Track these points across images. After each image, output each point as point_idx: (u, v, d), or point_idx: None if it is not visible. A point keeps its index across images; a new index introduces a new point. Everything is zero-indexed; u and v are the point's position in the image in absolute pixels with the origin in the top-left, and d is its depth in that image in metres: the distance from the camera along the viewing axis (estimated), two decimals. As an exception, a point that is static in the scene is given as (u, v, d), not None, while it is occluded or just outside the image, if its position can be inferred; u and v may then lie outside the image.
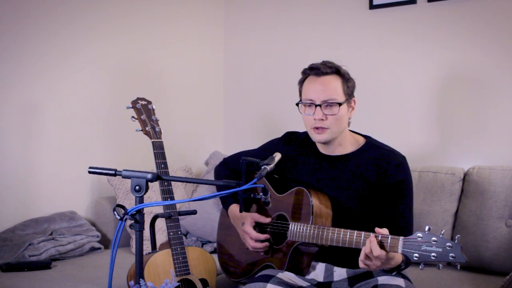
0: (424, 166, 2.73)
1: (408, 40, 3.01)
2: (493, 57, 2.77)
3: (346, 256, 1.98)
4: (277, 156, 1.95)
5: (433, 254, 1.62)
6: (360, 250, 1.78)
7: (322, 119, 1.97)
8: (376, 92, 3.08)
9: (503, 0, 2.74)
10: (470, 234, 2.51)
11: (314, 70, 2.00)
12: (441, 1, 2.88)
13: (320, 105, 1.97)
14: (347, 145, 2.07)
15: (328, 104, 1.97)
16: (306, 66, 2.05)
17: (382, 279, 1.88)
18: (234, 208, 2.21)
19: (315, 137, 2.03)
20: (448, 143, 2.90)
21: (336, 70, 2.00)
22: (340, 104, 1.97)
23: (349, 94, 2.02)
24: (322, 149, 2.10)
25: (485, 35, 2.79)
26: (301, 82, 2.07)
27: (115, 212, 1.54)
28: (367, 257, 1.74)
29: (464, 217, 2.56)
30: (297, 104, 2.06)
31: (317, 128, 2.00)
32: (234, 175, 2.34)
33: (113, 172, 1.61)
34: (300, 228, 1.97)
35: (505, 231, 2.44)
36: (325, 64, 2.01)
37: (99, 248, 2.86)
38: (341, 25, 3.24)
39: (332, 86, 1.98)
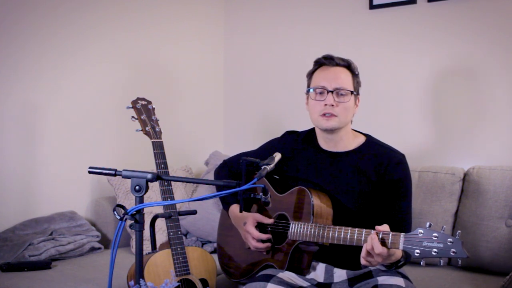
0: (424, 166, 2.73)
1: (408, 40, 3.01)
2: (493, 57, 2.77)
3: (346, 257, 1.99)
4: (277, 156, 1.95)
5: (434, 250, 1.63)
6: (360, 248, 1.78)
7: (333, 105, 2.00)
8: (376, 91, 3.08)
9: (503, 0, 2.74)
10: (470, 234, 2.51)
11: (328, 60, 2.06)
12: (441, 1, 2.88)
13: (332, 91, 2.01)
14: (348, 142, 2.09)
15: (340, 91, 2.02)
16: (319, 56, 2.10)
17: (382, 279, 1.89)
18: (235, 208, 2.21)
19: (323, 123, 2.04)
20: (448, 143, 2.90)
21: (348, 65, 2.07)
22: (351, 93, 2.03)
23: (357, 90, 2.08)
24: (323, 144, 2.11)
25: (485, 35, 2.79)
26: (311, 73, 2.11)
27: (115, 212, 1.54)
28: (368, 253, 1.75)
29: (464, 217, 2.56)
30: (307, 92, 2.09)
31: (325, 114, 2.02)
32: (234, 176, 2.34)
33: (113, 172, 1.61)
34: (300, 227, 1.97)
35: (505, 231, 2.44)
36: (337, 56, 2.08)
37: (99, 248, 2.86)
38: (341, 25, 3.24)
39: (344, 76, 2.04)
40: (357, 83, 2.08)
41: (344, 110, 2.02)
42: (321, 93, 2.03)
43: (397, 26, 3.04)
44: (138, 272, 1.59)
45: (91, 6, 3.03)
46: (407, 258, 1.86)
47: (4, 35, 2.72)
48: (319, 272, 2.04)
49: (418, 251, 1.65)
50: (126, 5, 3.20)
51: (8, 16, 2.73)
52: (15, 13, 2.75)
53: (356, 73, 2.08)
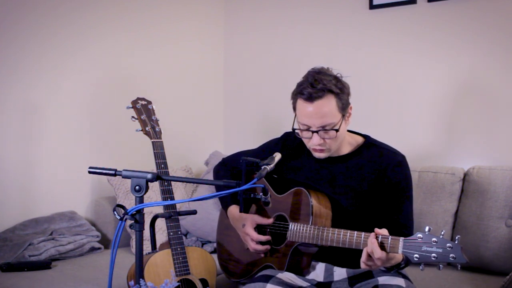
0: (424, 166, 2.73)
1: (408, 40, 3.01)
2: (493, 57, 2.77)
3: (346, 256, 1.98)
4: (277, 156, 1.95)
5: (433, 254, 1.62)
6: (359, 250, 1.78)
7: (321, 143, 1.96)
8: (376, 92, 3.08)
9: (503, 0, 2.74)
10: (470, 234, 2.51)
11: (305, 95, 1.91)
12: (441, 1, 2.88)
13: (317, 132, 1.94)
14: (346, 147, 2.07)
15: (325, 129, 1.93)
16: (298, 81, 1.96)
17: (382, 279, 1.89)
18: (234, 209, 2.21)
19: (315, 155, 2.02)
20: (448, 143, 2.90)
21: (328, 90, 1.90)
22: (337, 130, 1.93)
23: (344, 107, 1.95)
24: None
25: (485, 35, 2.79)
26: (295, 97, 1.99)
27: (115, 212, 1.54)
28: (369, 258, 1.74)
29: (464, 217, 2.56)
30: (293, 130, 2.01)
31: (315, 148, 1.99)
32: (233, 175, 2.34)
33: (113, 172, 1.61)
34: (299, 229, 1.97)
35: (505, 231, 2.44)
36: (315, 86, 1.89)
37: (99, 248, 2.86)
38: (341, 25, 3.24)
39: (327, 110, 1.90)
40: (343, 103, 1.93)
41: (334, 141, 1.96)
42: (306, 129, 1.95)
43: (397, 26, 3.04)
44: (138, 272, 1.59)
45: (91, 6, 3.03)
46: (408, 261, 1.85)
47: (4, 35, 2.72)
48: (318, 271, 2.04)
49: (417, 255, 1.64)
50: (126, 5, 3.20)
51: (8, 16, 2.73)
52: (15, 13, 2.75)
53: (340, 92, 1.91)
